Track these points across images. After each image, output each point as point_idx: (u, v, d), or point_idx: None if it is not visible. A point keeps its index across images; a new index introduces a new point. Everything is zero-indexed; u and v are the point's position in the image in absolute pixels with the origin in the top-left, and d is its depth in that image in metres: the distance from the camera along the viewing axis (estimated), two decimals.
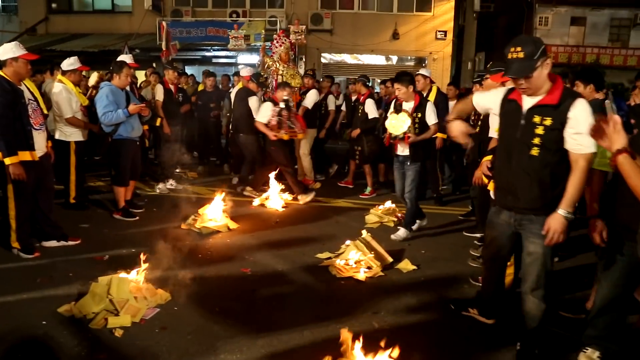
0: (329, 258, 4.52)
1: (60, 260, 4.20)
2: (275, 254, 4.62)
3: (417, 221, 5.45)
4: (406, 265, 4.45)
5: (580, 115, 2.54)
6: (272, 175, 6.45)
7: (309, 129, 7.33)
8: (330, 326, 3.27)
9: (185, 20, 16.57)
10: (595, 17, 21.26)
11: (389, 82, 7.72)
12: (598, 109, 4.86)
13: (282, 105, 6.42)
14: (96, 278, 3.71)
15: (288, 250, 4.76)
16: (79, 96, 5.58)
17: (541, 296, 2.82)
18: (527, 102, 2.69)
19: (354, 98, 7.72)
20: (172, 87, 7.42)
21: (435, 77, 17.67)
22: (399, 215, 5.90)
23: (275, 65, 7.90)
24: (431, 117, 5.08)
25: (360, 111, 7.08)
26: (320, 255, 4.61)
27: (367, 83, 7.41)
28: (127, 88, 5.62)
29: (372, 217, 5.88)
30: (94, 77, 7.01)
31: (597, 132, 2.06)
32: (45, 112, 4.41)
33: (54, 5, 18.05)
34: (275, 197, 6.36)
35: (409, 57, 18.55)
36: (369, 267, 4.28)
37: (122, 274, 3.46)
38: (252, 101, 6.77)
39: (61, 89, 5.34)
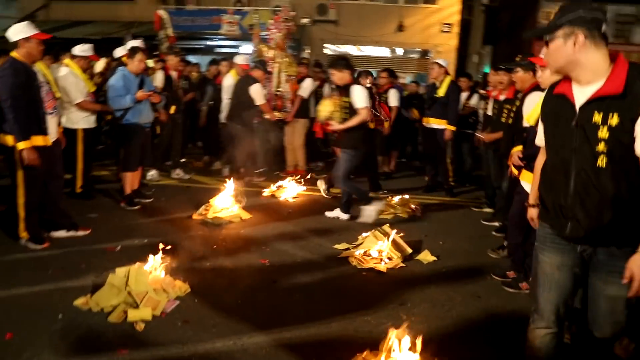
0: (347, 249, 4.40)
1: (71, 251, 4.05)
2: (292, 245, 4.48)
3: (367, 207, 5.27)
4: (426, 256, 4.33)
5: None
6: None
7: (303, 119, 7.35)
8: (358, 318, 3.16)
9: (189, 9, 16.31)
10: None
11: (384, 72, 7.62)
12: None
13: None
14: (111, 269, 3.59)
15: (304, 241, 4.63)
16: (86, 82, 5.41)
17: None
18: (581, 95, 1.92)
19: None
20: (174, 73, 7.22)
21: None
22: (413, 207, 5.79)
23: (271, 53, 7.60)
24: (358, 101, 4.95)
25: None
26: (337, 246, 4.49)
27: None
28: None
29: (385, 209, 5.75)
30: (100, 64, 6.83)
31: None
32: (58, 95, 4.24)
33: None
34: (288, 188, 6.23)
35: (414, 50, 18.39)
36: (389, 258, 4.17)
37: (140, 265, 3.31)
38: (254, 89, 6.47)
39: (67, 72, 5.16)
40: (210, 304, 3.24)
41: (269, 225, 5.06)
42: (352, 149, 5.07)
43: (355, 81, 5.49)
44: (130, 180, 5.47)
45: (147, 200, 5.66)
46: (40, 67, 4.12)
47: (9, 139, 3.82)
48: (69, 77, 5.12)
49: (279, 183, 6.35)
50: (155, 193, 6.04)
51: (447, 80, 6.23)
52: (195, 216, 5.13)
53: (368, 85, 6.19)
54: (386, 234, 4.41)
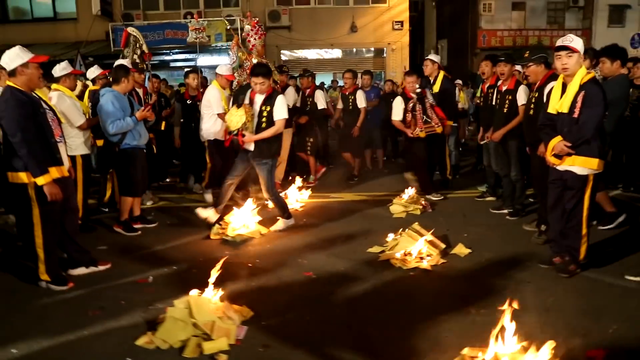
0: (383, 251, 4.35)
1: (101, 288, 3.74)
2: (326, 254, 4.38)
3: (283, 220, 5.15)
4: (461, 249, 4.36)
5: None
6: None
7: (288, 129, 6.79)
8: (433, 318, 3.11)
9: (137, 24, 15.72)
10: (534, 2, 22.31)
11: (347, 73, 7.56)
12: (627, 84, 5.04)
13: (414, 97, 5.90)
14: (155, 302, 3.41)
15: (336, 248, 4.54)
16: (81, 103, 5.11)
17: None
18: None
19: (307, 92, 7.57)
20: (139, 90, 6.89)
21: (394, 66, 17.97)
22: (424, 203, 5.83)
23: (249, 61, 7.07)
24: (279, 112, 4.81)
25: (309, 103, 7.33)
26: (371, 250, 4.43)
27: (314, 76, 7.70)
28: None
29: (397, 208, 5.75)
30: (77, 87, 6.42)
31: None
32: (63, 121, 3.92)
33: None
34: (292, 196, 6.10)
35: (369, 49, 18.68)
36: (429, 256, 4.16)
37: (196, 294, 3.11)
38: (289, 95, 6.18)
39: (60, 96, 4.82)
40: (279, 325, 3.08)
41: (290, 237, 4.92)
42: (271, 158, 4.94)
43: (318, 87, 5.61)
44: (130, 206, 5.18)
45: (152, 225, 5.37)
46: (39, 93, 3.80)
47: (23, 176, 3.49)
48: (64, 100, 4.78)
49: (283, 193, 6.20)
50: (157, 216, 5.74)
51: (441, 76, 6.33)
52: (212, 236, 4.90)
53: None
54: (419, 233, 4.41)
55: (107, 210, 5.83)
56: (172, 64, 16.65)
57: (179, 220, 5.65)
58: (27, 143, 3.39)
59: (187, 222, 5.49)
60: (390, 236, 4.52)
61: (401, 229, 4.54)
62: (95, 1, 15.08)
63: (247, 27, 7.45)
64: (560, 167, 3.61)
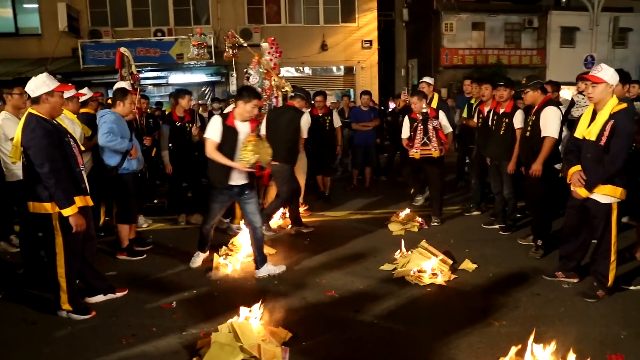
0: (395, 269, 4.53)
1: (124, 315, 3.72)
2: (342, 273, 4.52)
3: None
4: (468, 264, 4.60)
5: None
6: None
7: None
8: (458, 332, 3.30)
9: (106, 41, 15.48)
10: (492, 22, 23.46)
11: (318, 96, 7.57)
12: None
13: (420, 117, 5.86)
14: (187, 327, 3.46)
15: (349, 267, 4.68)
16: (82, 126, 5.05)
17: None
18: None
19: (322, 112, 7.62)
20: (135, 111, 6.85)
21: (363, 84, 18.41)
22: (420, 220, 6.06)
23: (269, 81, 6.96)
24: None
25: (327, 122, 7.47)
26: (383, 268, 4.61)
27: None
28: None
29: (395, 226, 5.95)
30: None
31: None
32: (82, 148, 3.90)
33: None
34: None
35: (339, 67, 19.07)
36: (441, 271, 4.37)
37: (241, 319, 3.17)
38: (305, 120, 5.83)
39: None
40: (319, 345, 3.19)
41: (299, 257, 5.00)
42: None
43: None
44: (128, 232, 5.15)
45: (147, 248, 5.34)
46: (59, 121, 3.77)
47: (48, 206, 3.46)
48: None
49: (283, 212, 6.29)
50: (157, 238, 5.71)
51: (436, 98, 6.65)
52: (220, 256, 4.92)
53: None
54: (428, 250, 4.62)
55: (102, 234, 5.73)
56: (142, 82, 16.43)
57: (180, 242, 5.63)
58: (55, 173, 3.36)
59: (189, 244, 5.47)
60: (398, 253, 4.74)
61: (404, 247, 4.76)
62: (62, 17, 14.71)
63: (266, 45, 7.31)
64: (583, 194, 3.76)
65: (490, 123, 5.59)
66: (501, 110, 5.44)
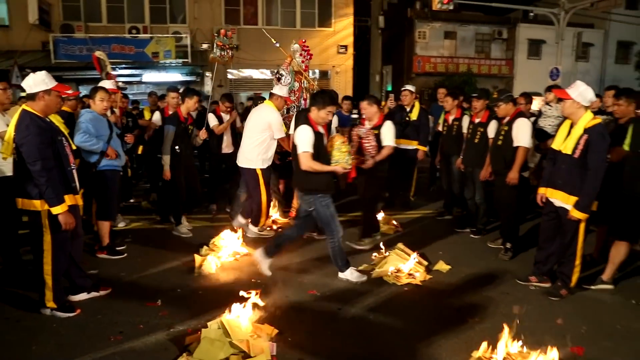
0: (372, 269, 4.71)
1: (109, 313, 3.76)
2: (322, 273, 4.67)
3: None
4: (442, 265, 4.84)
5: None
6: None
7: None
8: (444, 329, 3.52)
9: (79, 36, 15.20)
10: (464, 32, 24.17)
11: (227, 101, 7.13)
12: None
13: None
14: (174, 324, 3.55)
15: (328, 268, 4.78)
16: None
17: None
18: None
19: None
20: (117, 111, 6.83)
21: (338, 89, 18.64)
22: (395, 223, 6.29)
23: (299, 83, 6.80)
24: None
25: None
26: (361, 268, 4.77)
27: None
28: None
29: None
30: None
31: None
32: (74, 147, 3.93)
33: None
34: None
35: (314, 71, 19.22)
36: (417, 272, 4.59)
37: (229, 315, 3.29)
38: (335, 121, 5.89)
39: None
40: (305, 340, 3.33)
41: (279, 258, 5.06)
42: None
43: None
44: (108, 230, 5.18)
45: (122, 248, 5.35)
46: (53, 119, 3.80)
47: (37, 204, 3.49)
48: None
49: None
50: (136, 238, 5.74)
51: (418, 105, 6.91)
52: (201, 256, 4.99)
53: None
54: (404, 251, 4.83)
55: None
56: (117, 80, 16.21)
57: (160, 241, 5.67)
58: (47, 171, 3.40)
59: (169, 243, 5.55)
60: (375, 254, 4.95)
61: (383, 249, 4.98)
62: (32, 9, 14.39)
63: (297, 47, 7.11)
64: (556, 203, 4.06)
65: (460, 131, 5.90)
66: (477, 120, 5.72)
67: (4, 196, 4.18)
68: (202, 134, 6.23)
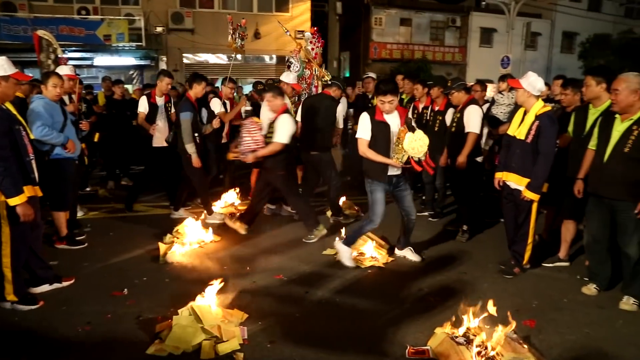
0: (337, 253, 4.83)
1: (76, 304, 3.70)
2: (287, 258, 4.77)
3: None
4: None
5: None
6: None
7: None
8: (408, 308, 3.71)
9: (22, 16, 14.37)
10: (419, 19, 24.57)
11: (230, 83, 7.28)
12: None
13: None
14: (144, 313, 3.55)
15: (293, 252, 4.93)
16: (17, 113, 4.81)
17: None
18: None
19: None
20: (74, 97, 6.61)
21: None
22: (357, 208, 6.44)
23: (310, 70, 6.89)
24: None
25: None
26: (326, 253, 4.91)
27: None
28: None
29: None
30: None
31: None
32: (32, 137, 3.80)
33: None
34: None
35: (271, 56, 19.10)
36: (379, 255, 4.75)
37: (198, 302, 3.33)
38: (341, 109, 5.81)
39: None
40: (274, 323, 3.41)
41: (244, 244, 5.16)
42: None
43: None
44: (65, 219, 5.06)
45: (82, 237, 5.26)
46: (8, 107, 3.66)
47: None
48: None
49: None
50: (95, 227, 5.63)
51: None
52: (165, 244, 4.97)
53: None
54: (367, 235, 4.98)
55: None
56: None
57: (120, 230, 5.60)
58: (4, 161, 3.29)
59: (130, 232, 5.49)
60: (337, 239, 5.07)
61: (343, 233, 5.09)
62: None
63: (308, 35, 7.21)
64: (512, 185, 4.28)
65: (428, 119, 6.09)
66: (436, 108, 5.92)
67: None
68: (216, 123, 6.11)
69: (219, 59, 18.44)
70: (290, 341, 3.20)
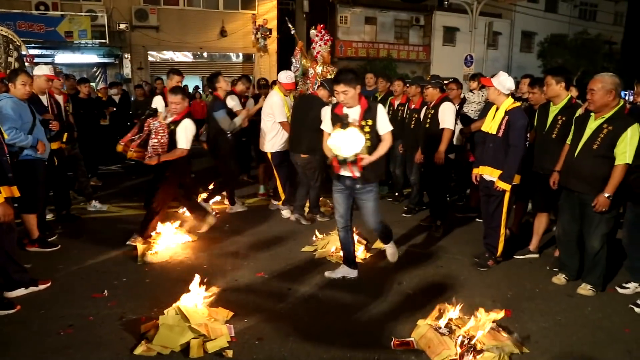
0: (315, 250, 4.91)
1: (55, 307, 3.62)
2: (267, 255, 4.80)
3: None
4: (379, 244, 5.08)
5: None
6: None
7: None
8: (389, 301, 3.81)
9: None
10: (383, 18, 24.90)
11: (246, 81, 7.37)
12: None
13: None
14: (127, 313, 3.52)
15: (273, 250, 4.96)
16: None
17: None
18: None
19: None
20: (59, 97, 6.35)
21: (263, 72, 18.55)
22: (332, 205, 6.50)
23: (314, 69, 6.75)
24: (384, 125, 3.96)
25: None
26: (304, 250, 4.97)
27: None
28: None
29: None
30: None
31: None
32: (6, 136, 3.68)
33: None
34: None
35: (237, 54, 18.94)
36: (357, 251, 4.84)
37: (184, 301, 3.32)
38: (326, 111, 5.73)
39: None
40: (260, 320, 3.45)
41: (223, 242, 5.16)
42: (377, 181, 4.19)
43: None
44: (35, 222, 4.92)
45: (54, 238, 5.16)
46: None
47: None
48: None
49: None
50: (67, 229, 5.50)
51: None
52: (143, 244, 4.89)
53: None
54: None
55: None
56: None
57: (94, 231, 5.48)
58: None
59: (104, 233, 5.38)
60: (318, 235, 5.15)
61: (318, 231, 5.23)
62: None
63: (313, 33, 7.02)
64: (486, 177, 4.44)
65: (403, 116, 6.24)
66: (412, 106, 6.06)
67: None
68: (245, 121, 6.25)
69: (185, 56, 18.16)
70: (277, 337, 3.24)
